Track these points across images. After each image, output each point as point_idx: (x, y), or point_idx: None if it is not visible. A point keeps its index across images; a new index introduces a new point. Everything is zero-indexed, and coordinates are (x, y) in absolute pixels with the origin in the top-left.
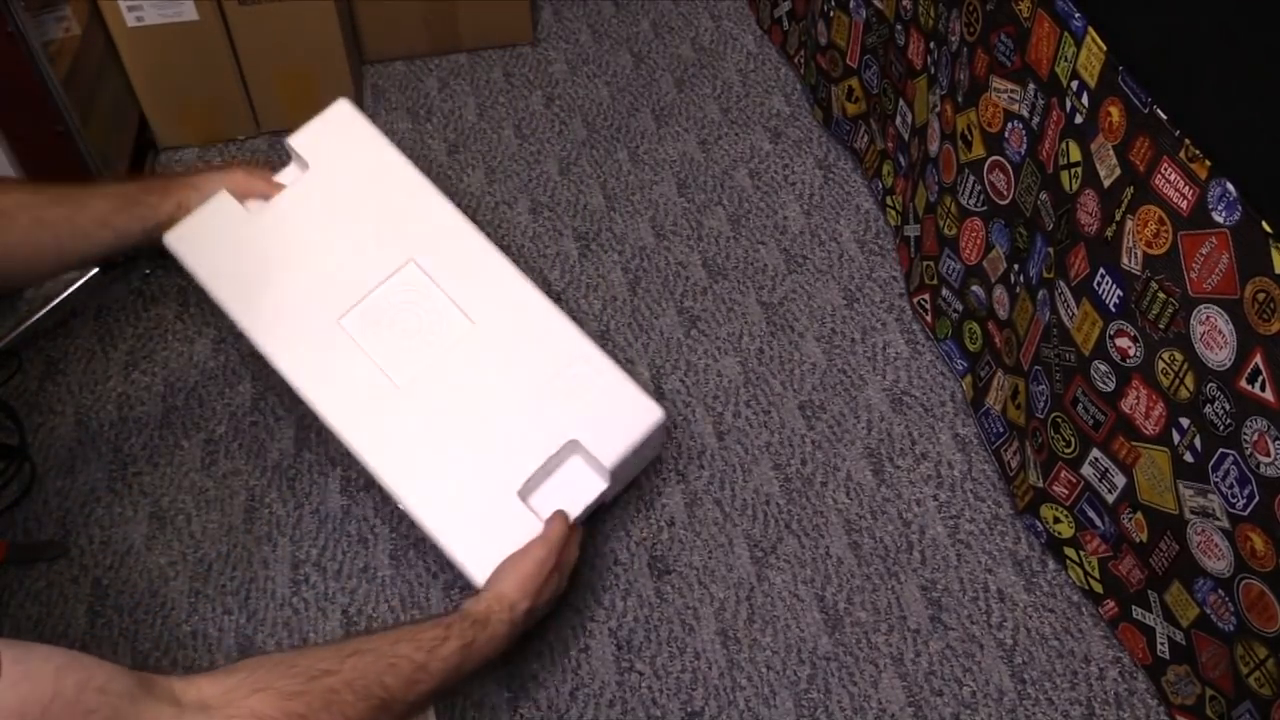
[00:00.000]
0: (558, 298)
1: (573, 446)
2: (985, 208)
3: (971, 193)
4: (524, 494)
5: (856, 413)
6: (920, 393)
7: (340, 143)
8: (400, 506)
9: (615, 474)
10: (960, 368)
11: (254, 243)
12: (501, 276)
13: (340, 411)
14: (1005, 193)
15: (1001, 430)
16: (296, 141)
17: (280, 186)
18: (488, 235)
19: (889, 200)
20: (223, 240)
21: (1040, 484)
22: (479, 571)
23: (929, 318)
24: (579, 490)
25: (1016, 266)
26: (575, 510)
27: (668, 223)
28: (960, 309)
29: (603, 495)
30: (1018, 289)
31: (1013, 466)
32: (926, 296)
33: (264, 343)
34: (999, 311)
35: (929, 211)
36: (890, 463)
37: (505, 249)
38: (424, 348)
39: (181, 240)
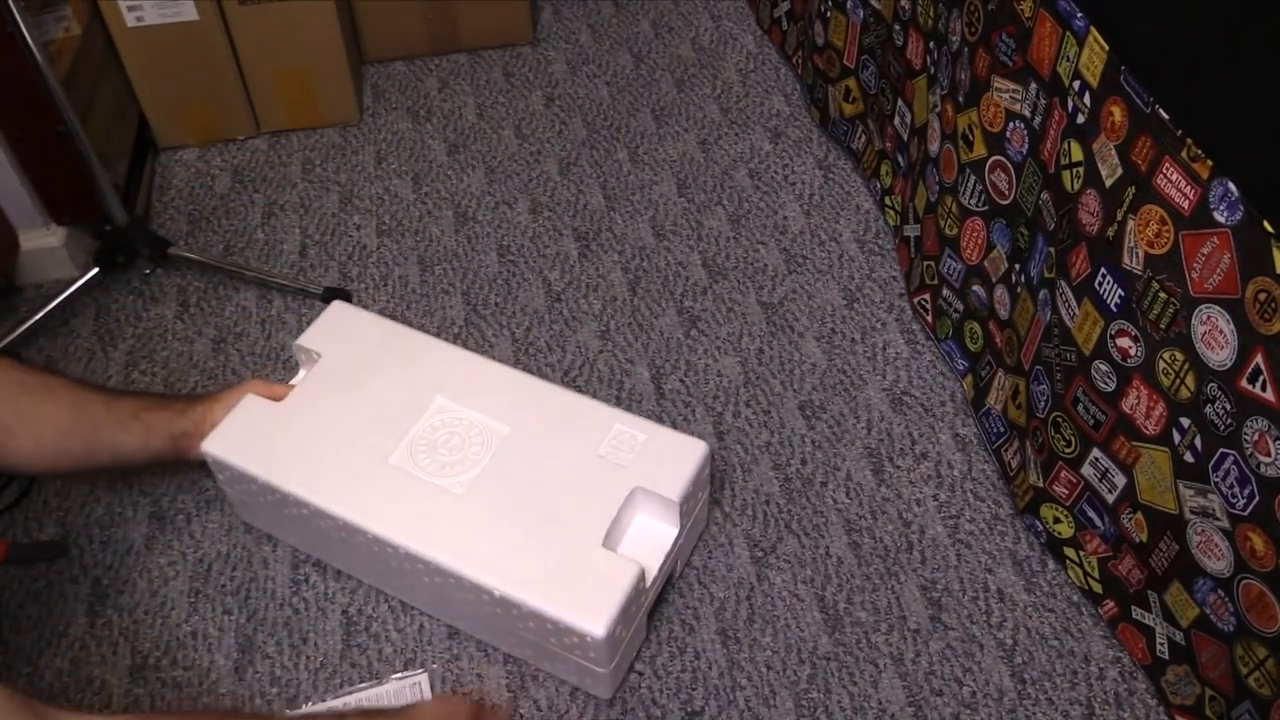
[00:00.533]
0: (558, 298)
1: (640, 495)
2: (986, 207)
3: (973, 192)
4: (609, 546)
5: (856, 413)
6: (920, 393)
7: (343, 330)
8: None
9: (684, 511)
10: (961, 367)
11: (289, 426)
12: (517, 384)
13: (410, 532)
14: (1006, 192)
15: (1002, 430)
16: (304, 341)
17: (281, 387)
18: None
19: (888, 200)
20: (259, 432)
21: (1040, 484)
22: (593, 625)
23: (929, 318)
24: (658, 536)
25: (1018, 266)
26: (662, 552)
27: (668, 223)
28: (961, 309)
29: (678, 539)
30: (1019, 289)
31: (1013, 466)
32: (927, 296)
33: (324, 501)
34: (1000, 311)
35: (929, 211)
36: (890, 463)
37: (505, 249)
38: (471, 460)
39: (219, 443)
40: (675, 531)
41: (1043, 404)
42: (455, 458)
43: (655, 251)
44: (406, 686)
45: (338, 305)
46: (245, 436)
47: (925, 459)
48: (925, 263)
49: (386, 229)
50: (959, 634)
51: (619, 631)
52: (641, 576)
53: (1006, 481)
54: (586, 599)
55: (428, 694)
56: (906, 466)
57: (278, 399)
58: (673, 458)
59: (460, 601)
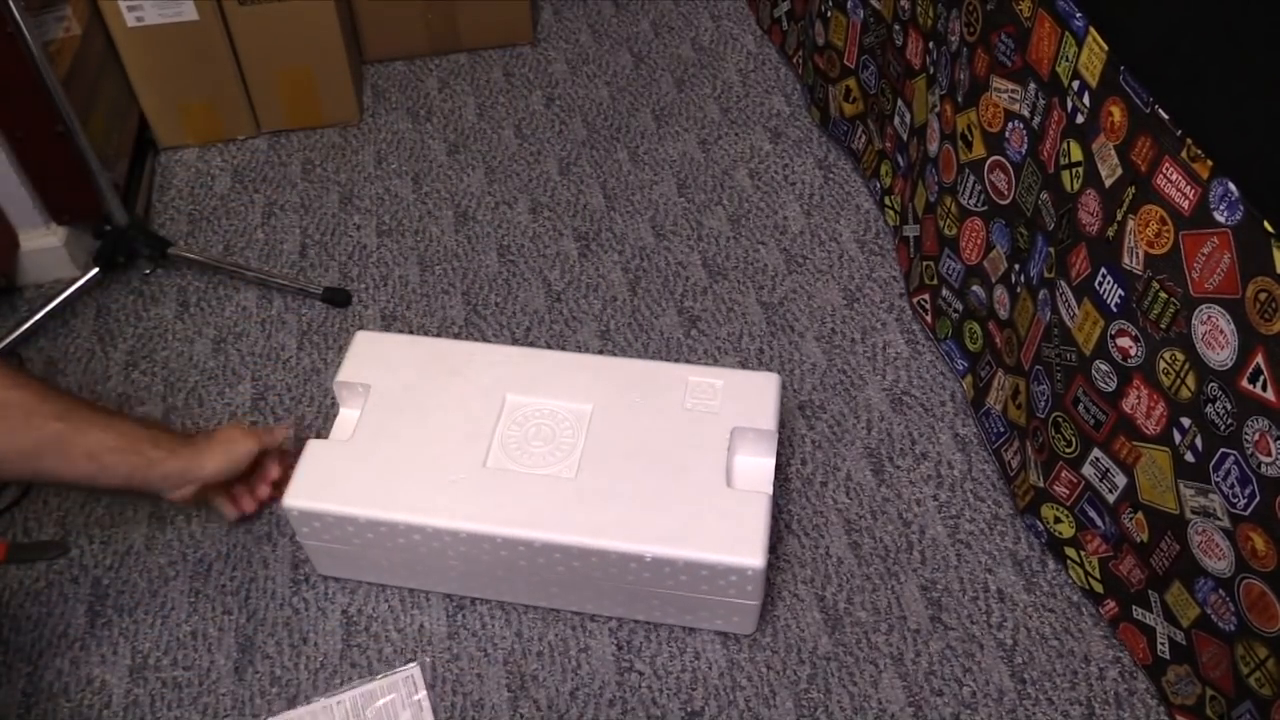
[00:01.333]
0: (558, 298)
1: (738, 435)
2: (986, 207)
3: (972, 193)
4: (730, 484)
5: (856, 413)
6: (920, 393)
7: (380, 357)
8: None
9: (779, 440)
10: (961, 367)
11: (369, 460)
12: (578, 366)
13: (541, 524)
14: (1006, 192)
15: (1002, 430)
16: (345, 377)
17: (280, 431)
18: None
19: (887, 200)
20: (339, 474)
21: (1041, 484)
22: (750, 559)
23: (929, 318)
24: (759, 468)
25: (1017, 266)
26: (768, 481)
27: (668, 223)
28: (960, 309)
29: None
30: (1018, 289)
31: (1013, 466)
32: (926, 296)
33: (440, 519)
34: (1000, 311)
35: (929, 211)
36: (890, 463)
37: (505, 249)
38: (568, 444)
39: (302, 496)
40: (772, 461)
41: (1043, 404)
42: (550, 446)
43: (655, 251)
44: (400, 679)
45: (362, 335)
46: (327, 481)
47: (925, 459)
48: (925, 263)
49: (386, 229)
50: (959, 634)
51: (767, 561)
52: (772, 504)
53: (1007, 481)
54: (735, 537)
55: (420, 686)
56: (906, 466)
57: (267, 445)
58: (754, 394)
59: (599, 580)
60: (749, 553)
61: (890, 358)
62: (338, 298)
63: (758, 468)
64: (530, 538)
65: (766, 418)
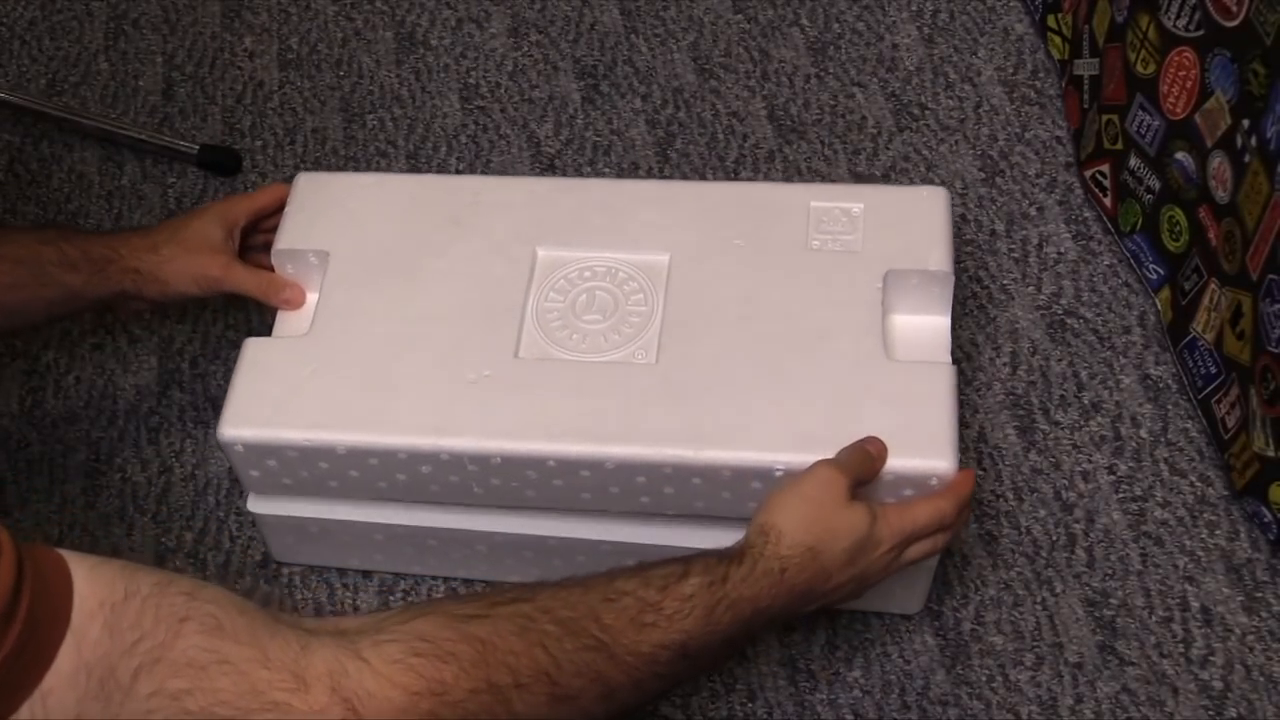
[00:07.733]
0: (550, 163)
1: (895, 281)
2: (1202, 32)
3: (1181, 10)
4: (891, 355)
5: (996, 342)
6: (1092, 313)
7: (337, 209)
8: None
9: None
10: (1155, 276)
11: (341, 363)
12: (635, 196)
13: (615, 436)
14: (1234, 10)
15: (1214, 371)
16: (287, 243)
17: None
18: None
19: (1052, 21)
20: (297, 386)
21: (1272, 452)
22: (938, 458)
23: (1109, 200)
24: (936, 320)
25: (1247, 123)
26: (946, 338)
27: (716, 52)
28: (1157, 187)
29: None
30: (1247, 157)
31: (1229, 425)
32: (1106, 168)
33: (457, 441)
34: (1217, 191)
35: (1114, 39)
36: (1045, 417)
37: (471, 90)
38: (640, 315)
39: (243, 422)
40: (948, 319)
41: (1278, 332)
42: (613, 320)
43: (697, 96)
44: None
45: (306, 177)
46: (281, 397)
47: (1098, 412)
48: (1105, 117)
49: (294, 58)
50: (1141, 671)
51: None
52: (956, 379)
53: (1219, 448)
54: (909, 431)
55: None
56: (1069, 423)
57: (260, 210)
58: (912, 219)
59: (702, 512)
60: (934, 451)
61: (1049, 261)
62: (221, 160)
63: (928, 328)
64: (600, 455)
65: (938, 253)
